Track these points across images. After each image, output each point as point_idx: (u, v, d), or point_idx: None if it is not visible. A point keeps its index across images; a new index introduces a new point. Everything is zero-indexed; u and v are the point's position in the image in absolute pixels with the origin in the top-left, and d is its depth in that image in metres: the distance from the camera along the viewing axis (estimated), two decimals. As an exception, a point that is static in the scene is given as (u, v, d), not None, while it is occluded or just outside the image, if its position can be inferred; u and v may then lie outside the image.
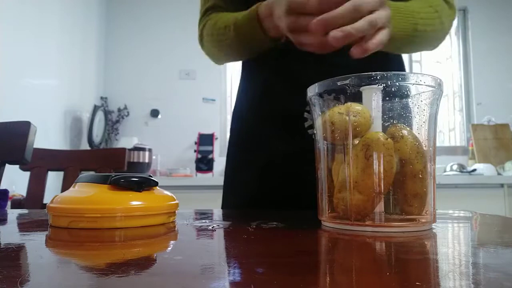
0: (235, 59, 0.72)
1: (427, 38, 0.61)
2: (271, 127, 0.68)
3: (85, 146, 2.49)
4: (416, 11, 0.58)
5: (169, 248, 0.33)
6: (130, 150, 2.37)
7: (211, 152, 2.59)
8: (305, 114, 0.64)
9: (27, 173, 1.08)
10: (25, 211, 0.76)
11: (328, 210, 0.43)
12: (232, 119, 0.77)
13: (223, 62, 0.76)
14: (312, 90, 0.44)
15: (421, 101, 0.42)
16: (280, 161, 0.67)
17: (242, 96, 0.75)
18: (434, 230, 0.41)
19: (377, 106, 0.40)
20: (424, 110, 0.42)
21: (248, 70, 0.75)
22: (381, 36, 0.48)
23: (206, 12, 0.73)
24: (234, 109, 0.77)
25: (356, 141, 0.40)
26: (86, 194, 0.42)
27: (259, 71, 0.71)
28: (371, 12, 0.47)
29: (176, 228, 0.43)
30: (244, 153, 0.72)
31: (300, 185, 0.62)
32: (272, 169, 0.68)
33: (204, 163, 2.55)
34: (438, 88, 0.40)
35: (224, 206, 0.76)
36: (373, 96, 0.40)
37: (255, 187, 0.69)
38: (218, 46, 0.68)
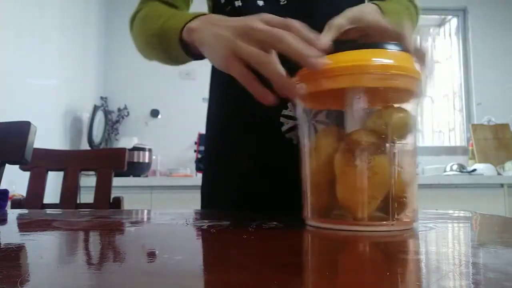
0: (158, 61, 0.66)
1: None
2: (248, 134, 0.66)
3: (85, 146, 2.49)
4: (397, 11, 0.60)
5: (169, 248, 0.33)
6: (130, 150, 2.36)
7: (211, 152, 2.58)
8: (281, 119, 0.63)
9: (27, 173, 1.08)
10: (25, 211, 0.76)
11: (311, 210, 0.43)
12: (206, 128, 0.75)
13: (146, 56, 0.68)
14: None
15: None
16: (260, 167, 0.65)
17: (215, 104, 0.73)
18: (434, 230, 0.41)
19: (359, 109, 0.41)
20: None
21: (219, 77, 0.72)
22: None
23: None
24: (207, 118, 0.75)
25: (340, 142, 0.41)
26: None
27: (231, 78, 0.69)
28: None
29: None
30: (222, 162, 0.70)
31: (283, 188, 0.61)
32: (253, 175, 0.66)
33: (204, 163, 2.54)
34: (419, 88, 0.40)
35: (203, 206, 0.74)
36: (355, 99, 0.40)
37: (237, 194, 0.68)
38: (145, 41, 0.63)
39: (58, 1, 2.22)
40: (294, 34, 0.40)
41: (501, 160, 2.61)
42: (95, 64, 2.73)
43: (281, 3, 0.65)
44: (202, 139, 2.63)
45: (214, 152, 0.73)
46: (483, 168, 2.48)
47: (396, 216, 0.39)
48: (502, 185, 2.32)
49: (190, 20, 0.50)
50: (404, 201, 0.40)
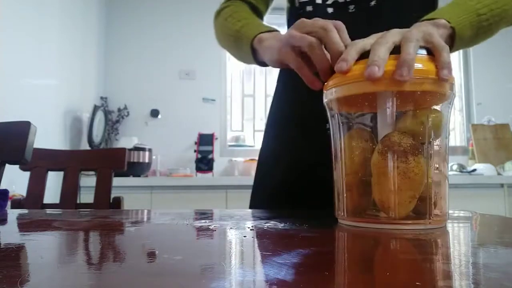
0: (229, 53, 0.75)
1: (498, 20, 0.56)
2: (297, 131, 0.72)
3: (85, 146, 2.49)
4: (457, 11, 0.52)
5: (169, 248, 0.33)
6: (130, 150, 2.36)
7: (211, 152, 2.58)
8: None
9: (27, 173, 1.08)
10: (25, 211, 0.76)
11: (346, 209, 0.43)
12: (266, 123, 0.83)
13: (221, 45, 0.78)
14: (330, 95, 0.44)
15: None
16: (304, 162, 0.70)
17: (273, 101, 0.81)
18: (434, 230, 0.41)
19: (391, 111, 0.41)
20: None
21: (280, 79, 0.80)
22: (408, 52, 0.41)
23: None
24: (268, 114, 0.83)
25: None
26: None
27: (289, 78, 0.74)
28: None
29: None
30: (272, 154, 0.77)
31: (323, 185, 0.63)
32: (297, 169, 0.71)
33: (204, 163, 2.55)
34: (451, 91, 0.41)
35: (252, 202, 0.79)
36: (387, 102, 0.41)
37: (278, 190, 0.73)
38: (224, 37, 0.73)
39: (58, 1, 2.22)
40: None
41: (501, 160, 2.60)
42: (95, 64, 2.73)
43: (350, 10, 0.67)
44: (202, 139, 2.63)
45: (263, 149, 0.80)
46: (483, 168, 2.48)
47: (431, 215, 0.40)
48: (502, 185, 2.32)
49: (263, 32, 0.59)
50: (438, 200, 0.41)
